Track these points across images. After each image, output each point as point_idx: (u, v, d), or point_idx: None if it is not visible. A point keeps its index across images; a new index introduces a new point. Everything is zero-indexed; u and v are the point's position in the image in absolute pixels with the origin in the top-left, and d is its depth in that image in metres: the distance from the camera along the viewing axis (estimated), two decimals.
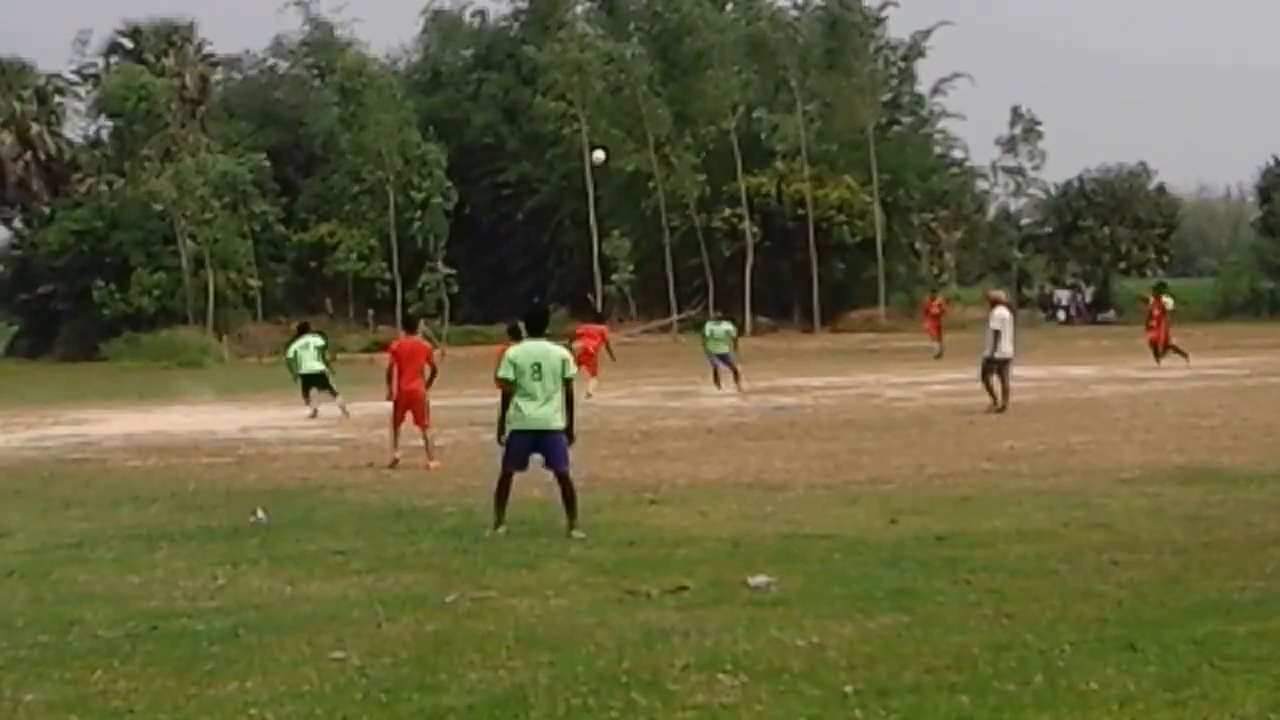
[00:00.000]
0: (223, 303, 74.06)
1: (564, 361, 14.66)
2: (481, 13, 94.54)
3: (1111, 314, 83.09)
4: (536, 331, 15.05)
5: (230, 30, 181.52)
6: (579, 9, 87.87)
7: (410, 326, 24.65)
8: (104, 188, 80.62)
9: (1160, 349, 41.30)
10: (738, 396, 33.85)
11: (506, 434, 14.78)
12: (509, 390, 14.68)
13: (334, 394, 32.19)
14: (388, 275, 75.82)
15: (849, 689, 8.20)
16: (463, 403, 35.05)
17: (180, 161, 74.70)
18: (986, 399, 27.62)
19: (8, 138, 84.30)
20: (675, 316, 77.77)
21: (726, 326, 38.05)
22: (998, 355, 27.80)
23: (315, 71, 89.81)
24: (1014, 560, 12.02)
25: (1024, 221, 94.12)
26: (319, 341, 34.29)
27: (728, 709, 7.96)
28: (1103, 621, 9.74)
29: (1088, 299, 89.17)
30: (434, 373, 22.71)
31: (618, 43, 79.11)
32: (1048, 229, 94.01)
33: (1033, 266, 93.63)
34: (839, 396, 32.75)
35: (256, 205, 76.01)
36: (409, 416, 21.94)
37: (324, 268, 76.79)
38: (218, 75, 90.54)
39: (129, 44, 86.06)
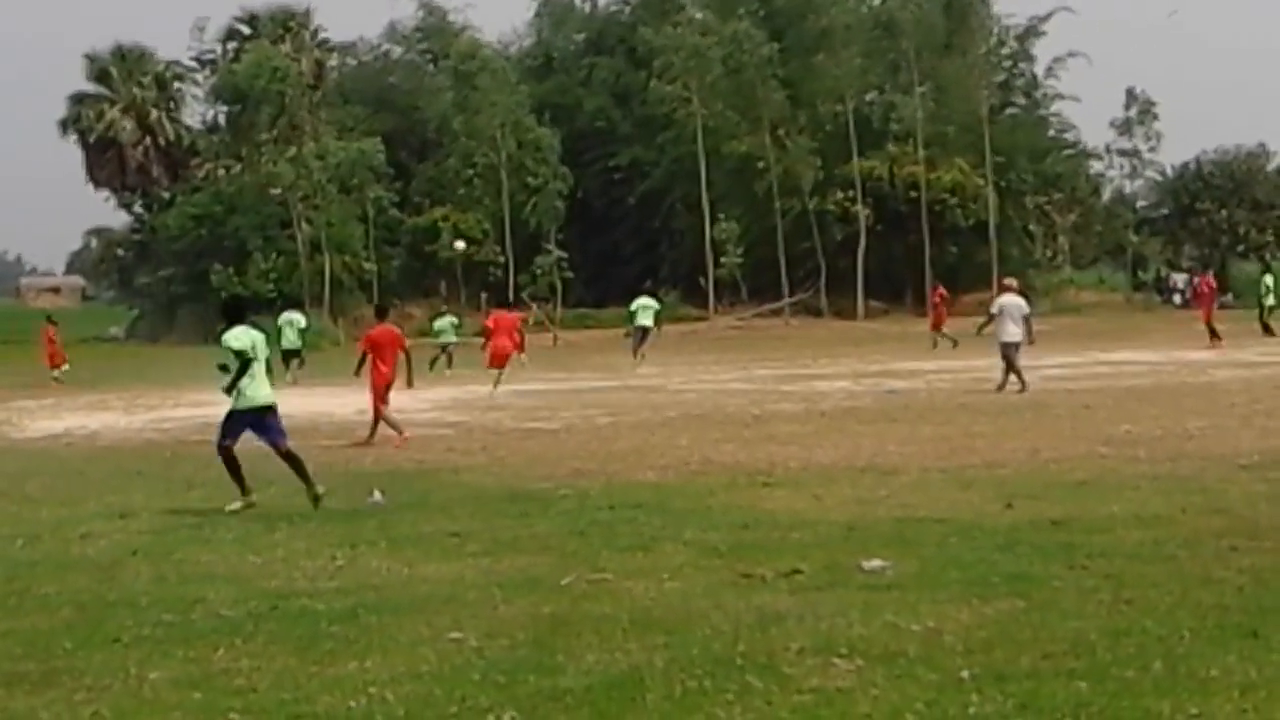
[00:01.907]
0: (338, 287, 74.72)
1: (265, 341, 16.44)
2: None
3: (1229, 298, 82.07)
4: (242, 319, 16.39)
5: (345, 16, 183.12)
6: None
7: (382, 314, 25.62)
8: (222, 172, 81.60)
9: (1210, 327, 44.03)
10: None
11: (229, 411, 16.15)
12: (247, 364, 15.90)
13: (298, 368, 39.54)
14: (500, 259, 76.17)
15: (965, 674, 8.17)
16: (575, 386, 35.26)
17: (300, 146, 75.39)
18: (1022, 381, 28.94)
19: (128, 123, 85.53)
20: (787, 300, 77.63)
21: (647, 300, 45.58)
22: (1003, 339, 29.49)
23: (429, 57, 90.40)
24: (1132, 546, 11.91)
25: (1140, 204, 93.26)
26: (302, 322, 41.52)
27: (843, 693, 7.95)
28: (1223, 608, 9.63)
29: None
30: (409, 359, 24.31)
31: (732, 24, 78.80)
32: (1164, 211, 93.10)
33: (1149, 250, 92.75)
34: (952, 380, 32.60)
35: (371, 190, 76.59)
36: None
37: (438, 252, 77.18)
38: (333, 61, 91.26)
39: (246, 30, 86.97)
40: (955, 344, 46.04)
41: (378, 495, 16.00)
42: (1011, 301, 30.18)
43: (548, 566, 11.79)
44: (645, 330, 44.57)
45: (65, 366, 47.41)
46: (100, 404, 34.10)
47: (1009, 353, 29.37)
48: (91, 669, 8.95)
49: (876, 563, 11.29)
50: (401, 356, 23.85)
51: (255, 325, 16.73)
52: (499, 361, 32.54)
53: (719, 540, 12.66)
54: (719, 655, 8.74)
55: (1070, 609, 9.70)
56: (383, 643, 9.36)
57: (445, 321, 48.43)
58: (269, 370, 16.39)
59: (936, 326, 50.49)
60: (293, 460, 16.12)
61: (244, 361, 15.84)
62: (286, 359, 39.18)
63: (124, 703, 8.23)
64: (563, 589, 10.89)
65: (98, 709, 8.10)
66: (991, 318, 30.35)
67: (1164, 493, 14.79)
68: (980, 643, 8.85)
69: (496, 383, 32.23)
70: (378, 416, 23.29)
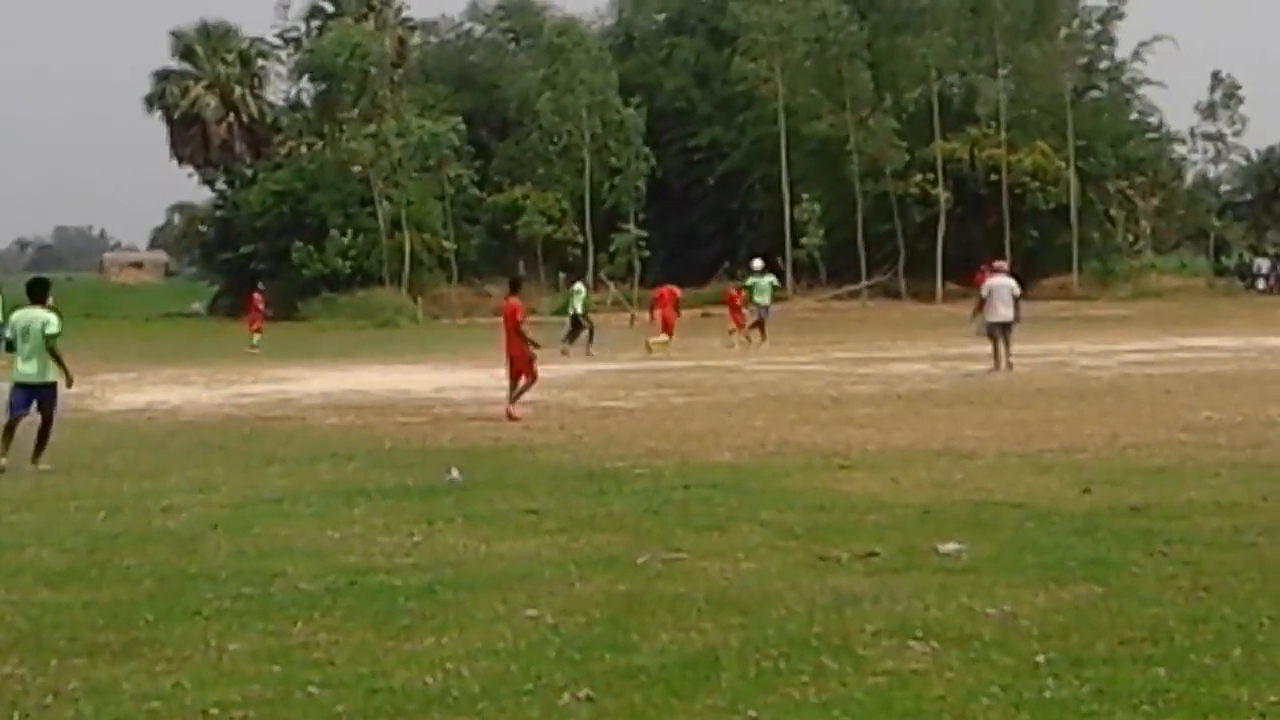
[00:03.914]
0: (417, 264, 74.95)
1: (44, 324, 17.58)
2: None
3: None
4: (32, 298, 18.04)
5: None
6: None
7: (512, 288, 25.91)
8: (304, 150, 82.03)
9: None
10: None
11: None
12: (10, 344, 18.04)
13: (565, 339, 41.58)
14: (579, 238, 76.18)
15: (1041, 658, 8.15)
16: (651, 366, 35.30)
17: (381, 123, 75.62)
18: (996, 363, 30.20)
19: (212, 100, 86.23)
20: (865, 282, 77.34)
21: (771, 279, 45.65)
22: (991, 319, 30.66)
23: (511, 35, 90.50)
24: (1211, 533, 11.83)
25: (1223, 188, 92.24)
26: (582, 292, 44.78)
27: (918, 675, 7.95)
28: None
29: None
30: (521, 333, 24.14)
31: (821, 2, 78.31)
32: (1247, 196, 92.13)
33: (1231, 235, 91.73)
34: (1030, 364, 32.32)
35: (452, 168, 76.73)
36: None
37: (516, 230, 77.29)
38: (415, 39, 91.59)
39: (330, 8, 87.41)
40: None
41: (455, 472, 16.09)
42: (1001, 283, 31.21)
43: (623, 545, 11.82)
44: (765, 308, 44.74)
45: (256, 337, 47.95)
46: (181, 379, 34.37)
47: (995, 331, 30.47)
48: (172, 640, 9.05)
49: (952, 546, 11.26)
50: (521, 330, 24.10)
51: (53, 309, 18.10)
52: (668, 329, 41.06)
53: (795, 521, 12.66)
54: (794, 636, 8.75)
55: (1148, 595, 9.65)
56: (459, 619, 9.41)
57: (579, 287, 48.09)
58: (55, 356, 17.79)
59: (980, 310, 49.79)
60: (47, 427, 17.71)
61: (8, 342, 18.14)
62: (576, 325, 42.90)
63: (204, 674, 8.32)
64: (638, 568, 10.92)
65: (178, 680, 8.19)
66: (982, 301, 31.11)
67: (1244, 480, 14.67)
68: (1057, 627, 8.82)
69: (663, 346, 40.08)
70: (526, 386, 23.82)
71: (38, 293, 18.09)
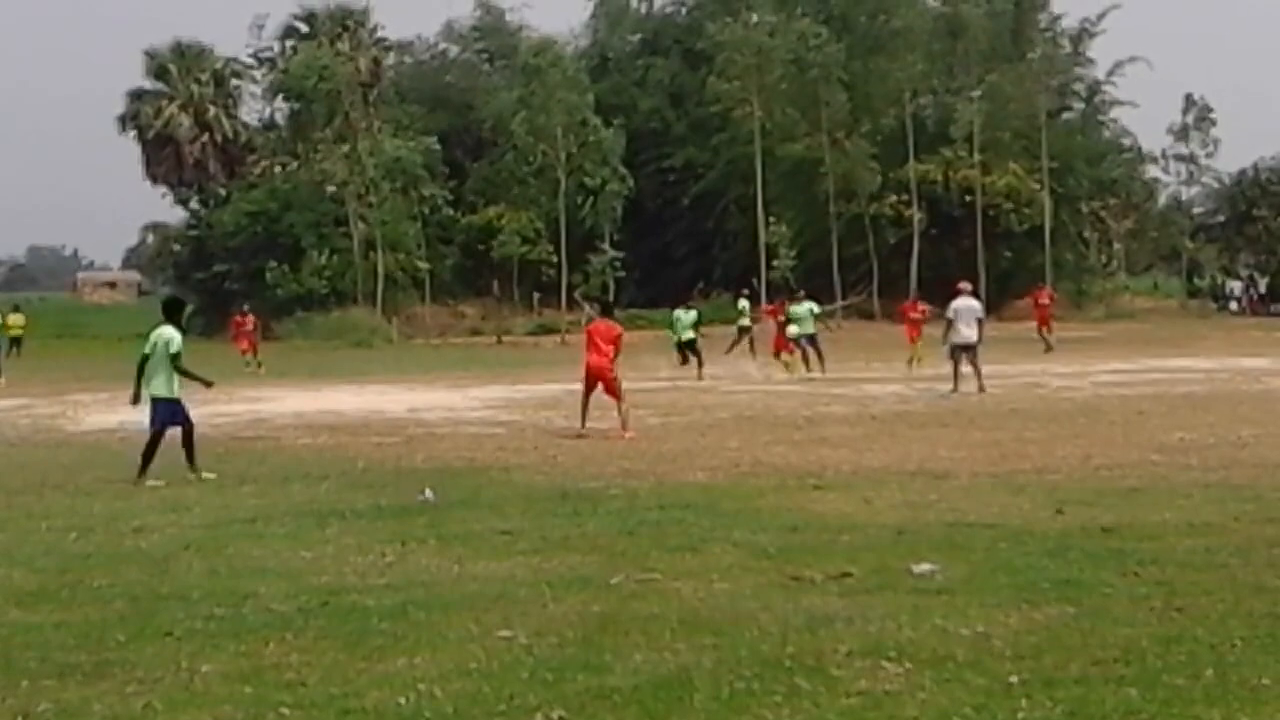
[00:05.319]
0: (392, 285, 74.82)
1: (168, 343, 18.67)
2: None
3: None
4: (167, 317, 19.24)
5: (402, 15, 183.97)
6: None
7: (603, 309, 26.07)
8: (278, 170, 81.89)
9: None
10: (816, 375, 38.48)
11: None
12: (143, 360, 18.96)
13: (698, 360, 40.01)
14: (554, 258, 76.12)
15: (1014, 679, 8.15)
16: (626, 386, 35.21)
17: (355, 143, 75.54)
18: (956, 382, 30.39)
19: (186, 120, 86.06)
20: (839, 303, 77.37)
21: (810, 305, 41.69)
22: (955, 340, 30.93)
23: (485, 56, 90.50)
24: (1183, 553, 11.85)
25: (1196, 210, 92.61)
26: (684, 315, 41.87)
27: (891, 696, 7.95)
28: (1275, 617, 9.56)
29: (1261, 290, 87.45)
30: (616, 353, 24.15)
31: (799, 23, 78.43)
32: (1220, 218, 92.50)
33: (1204, 256, 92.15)
34: (1004, 385, 32.40)
35: (426, 188, 76.64)
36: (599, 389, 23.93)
37: (491, 251, 77.19)
38: (390, 60, 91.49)
39: (304, 28, 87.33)
40: (1048, 348, 46.04)
41: (428, 493, 16.06)
42: (965, 305, 31.37)
43: (597, 565, 11.81)
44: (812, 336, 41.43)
45: (249, 355, 47.92)
46: None
47: (957, 354, 30.69)
48: (143, 661, 9.01)
49: (926, 567, 11.27)
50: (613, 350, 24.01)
51: (179, 326, 19.24)
52: (780, 346, 40.63)
53: (768, 542, 12.65)
54: (767, 657, 8.74)
55: (1121, 616, 9.66)
56: (432, 639, 9.39)
57: (743, 304, 49.82)
58: (182, 371, 18.85)
59: (1046, 326, 49.49)
60: (151, 445, 18.60)
61: (142, 358, 18.98)
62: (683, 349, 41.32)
63: (175, 695, 8.29)
64: (612, 588, 10.91)
65: (149, 701, 8.16)
66: (950, 323, 31.17)
67: (1216, 500, 14.71)
68: (1029, 648, 8.83)
69: (788, 366, 39.60)
70: (623, 407, 23.71)
71: (168, 312, 19.42)
